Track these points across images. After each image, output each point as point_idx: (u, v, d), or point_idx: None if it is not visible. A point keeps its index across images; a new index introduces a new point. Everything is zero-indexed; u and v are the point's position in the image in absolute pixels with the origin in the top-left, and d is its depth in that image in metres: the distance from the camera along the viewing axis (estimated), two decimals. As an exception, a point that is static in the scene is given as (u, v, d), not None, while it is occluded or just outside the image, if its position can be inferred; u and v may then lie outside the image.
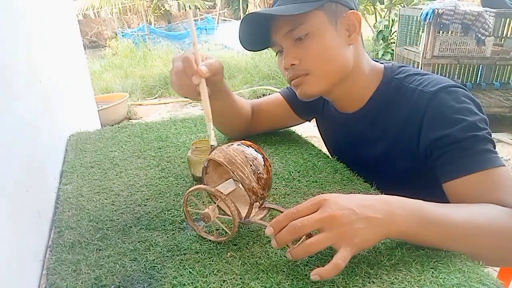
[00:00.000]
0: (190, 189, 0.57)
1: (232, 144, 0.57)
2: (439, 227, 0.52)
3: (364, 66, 0.78)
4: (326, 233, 0.47)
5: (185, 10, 12.62)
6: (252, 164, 0.54)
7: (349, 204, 0.49)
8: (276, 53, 0.79)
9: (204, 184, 0.58)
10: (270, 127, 1.02)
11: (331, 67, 0.73)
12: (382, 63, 0.81)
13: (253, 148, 0.57)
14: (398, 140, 0.75)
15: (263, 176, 0.55)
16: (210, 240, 0.58)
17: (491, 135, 0.65)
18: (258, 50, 0.81)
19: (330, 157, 0.91)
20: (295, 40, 0.72)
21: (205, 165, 0.58)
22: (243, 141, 0.58)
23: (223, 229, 0.58)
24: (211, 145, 0.60)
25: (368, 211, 0.49)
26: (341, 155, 0.88)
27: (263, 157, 0.56)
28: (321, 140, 1.02)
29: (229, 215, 0.56)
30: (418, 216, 0.51)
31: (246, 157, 0.54)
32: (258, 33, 0.75)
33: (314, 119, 1.01)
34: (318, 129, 1.01)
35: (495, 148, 0.64)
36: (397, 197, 0.53)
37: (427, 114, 0.68)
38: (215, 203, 0.57)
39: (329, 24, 0.71)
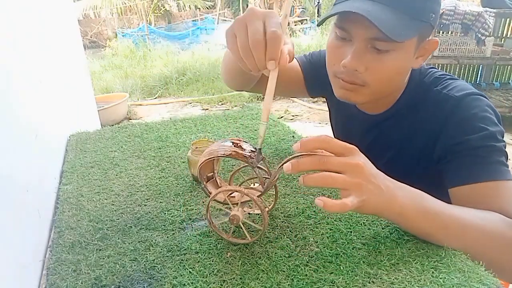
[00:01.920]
0: (217, 192, 0.55)
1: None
2: (435, 217, 0.53)
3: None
4: (346, 177, 0.47)
5: (185, 10, 12.62)
6: (223, 145, 0.56)
7: (373, 166, 0.51)
8: (335, 36, 0.68)
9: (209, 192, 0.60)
10: (276, 91, 0.99)
11: (389, 87, 0.70)
12: None
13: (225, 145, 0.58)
14: (414, 145, 0.73)
15: (236, 142, 0.57)
16: (210, 240, 0.58)
17: (505, 147, 0.65)
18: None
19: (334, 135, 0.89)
20: (372, 47, 0.64)
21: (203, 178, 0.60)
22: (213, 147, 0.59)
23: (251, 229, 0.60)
24: (259, 149, 0.54)
25: (381, 181, 0.51)
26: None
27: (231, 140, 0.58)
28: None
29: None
30: (418, 202, 0.53)
31: (216, 145, 0.57)
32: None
33: (325, 99, 0.97)
34: (329, 113, 0.98)
35: (507, 161, 0.64)
36: (409, 186, 0.54)
37: (450, 119, 0.67)
38: (229, 204, 0.56)
39: (414, 48, 0.65)
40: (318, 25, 0.71)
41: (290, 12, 0.53)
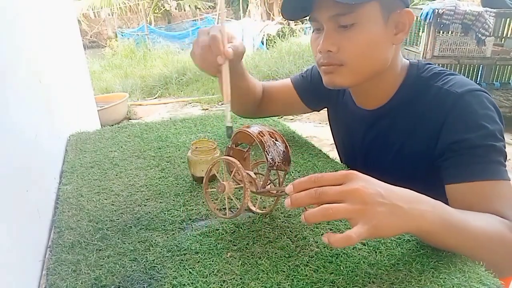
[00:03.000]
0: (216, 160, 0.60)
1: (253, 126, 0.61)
2: (459, 231, 0.52)
3: (398, 64, 0.75)
4: (347, 205, 0.45)
5: (185, 10, 12.62)
6: (272, 137, 0.59)
7: (377, 185, 0.47)
8: (313, 30, 0.74)
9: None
10: (278, 112, 1.01)
11: (368, 64, 0.70)
12: (408, 59, 0.78)
13: (269, 130, 0.61)
14: (416, 140, 0.73)
15: (283, 150, 0.59)
16: (210, 240, 0.58)
17: (505, 147, 0.65)
18: (297, 19, 0.77)
19: (336, 148, 0.90)
20: (339, 25, 0.66)
21: (229, 146, 0.63)
22: (261, 125, 0.62)
23: (234, 207, 0.62)
24: (227, 126, 0.63)
25: (394, 198, 0.47)
26: (351, 150, 0.87)
27: (279, 137, 0.60)
28: (321, 140, 1.02)
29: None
30: (443, 217, 0.50)
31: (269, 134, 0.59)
32: (301, 1, 0.69)
33: (326, 109, 0.98)
34: (329, 119, 0.99)
35: (505, 161, 0.65)
36: (423, 195, 0.51)
37: (451, 115, 0.67)
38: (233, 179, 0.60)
39: (380, 18, 0.66)
40: (295, 23, 0.78)
41: (224, 18, 0.69)
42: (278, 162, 0.56)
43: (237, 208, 0.57)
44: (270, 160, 0.55)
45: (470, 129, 0.64)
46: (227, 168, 0.63)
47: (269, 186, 0.60)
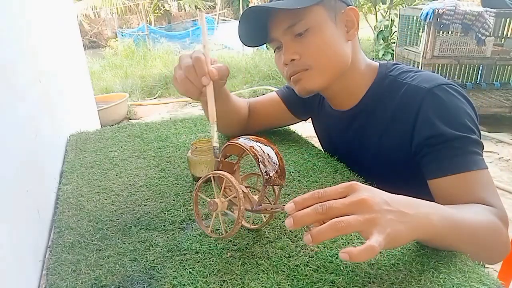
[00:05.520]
0: (204, 177, 0.54)
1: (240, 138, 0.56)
2: (460, 228, 0.52)
3: (360, 63, 0.79)
4: (357, 216, 0.42)
5: (185, 10, 12.62)
6: (264, 152, 0.53)
7: (380, 194, 0.46)
8: (274, 50, 0.79)
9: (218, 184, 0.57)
10: (266, 126, 1.02)
11: (331, 62, 0.73)
12: (377, 61, 0.82)
13: (261, 142, 0.56)
14: (392, 137, 0.75)
15: (277, 162, 0.54)
16: (210, 240, 0.58)
17: (480, 136, 0.66)
18: (257, 46, 0.81)
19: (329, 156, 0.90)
20: (295, 35, 0.72)
21: (218, 161, 0.59)
22: (250, 136, 0.57)
23: (227, 227, 0.57)
24: (214, 146, 0.60)
25: (400, 205, 0.46)
26: (335, 152, 0.88)
27: (272, 149, 0.55)
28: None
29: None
30: (445, 216, 0.50)
31: (259, 147, 0.54)
32: (257, 28, 0.75)
33: (311, 118, 1.01)
34: (314, 128, 1.01)
35: (483, 150, 0.66)
36: (417, 198, 0.50)
37: (422, 110, 0.68)
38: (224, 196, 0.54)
39: (329, 20, 0.71)
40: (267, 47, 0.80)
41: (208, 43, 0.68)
42: (274, 177, 0.52)
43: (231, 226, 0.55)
44: (265, 175, 0.51)
45: (443, 122, 0.66)
46: (217, 184, 0.57)
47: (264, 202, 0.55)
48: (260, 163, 0.51)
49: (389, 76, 0.77)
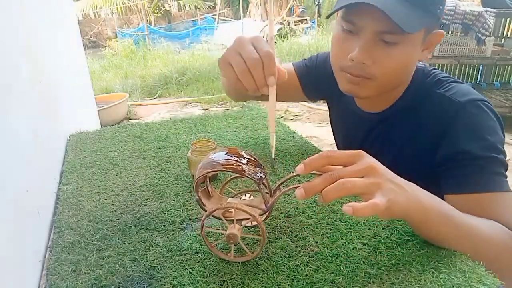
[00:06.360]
0: (209, 212, 0.52)
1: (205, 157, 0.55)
2: (452, 222, 0.52)
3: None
4: (364, 179, 0.45)
5: (185, 10, 12.62)
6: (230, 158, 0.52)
7: (385, 166, 0.48)
8: (342, 29, 0.68)
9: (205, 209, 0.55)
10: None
11: (396, 80, 0.69)
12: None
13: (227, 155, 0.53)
14: (415, 146, 0.73)
15: (246, 157, 0.53)
16: (210, 240, 0.57)
17: (506, 157, 0.65)
18: (349, 8, 0.65)
19: (337, 146, 0.88)
20: (382, 40, 0.63)
21: (198, 195, 0.55)
22: (205, 158, 0.55)
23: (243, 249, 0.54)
24: (273, 159, 0.57)
25: (401, 182, 0.48)
26: (347, 149, 0.86)
27: (226, 152, 0.53)
28: (321, 140, 1.01)
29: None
30: (441, 207, 0.51)
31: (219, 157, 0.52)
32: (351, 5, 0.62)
33: (324, 101, 0.97)
34: (330, 118, 0.98)
35: (506, 172, 0.64)
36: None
37: (454, 125, 0.66)
38: (233, 221, 0.52)
39: (421, 41, 0.66)
40: (327, 18, 0.72)
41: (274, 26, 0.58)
42: (263, 173, 0.52)
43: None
44: (258, 179, 0.51)
45: (472, 140, 0.64)
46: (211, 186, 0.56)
47: (268, 196, 0.54)
48: (247, 175, 0.50)
49: (425, 83, 0.73)
